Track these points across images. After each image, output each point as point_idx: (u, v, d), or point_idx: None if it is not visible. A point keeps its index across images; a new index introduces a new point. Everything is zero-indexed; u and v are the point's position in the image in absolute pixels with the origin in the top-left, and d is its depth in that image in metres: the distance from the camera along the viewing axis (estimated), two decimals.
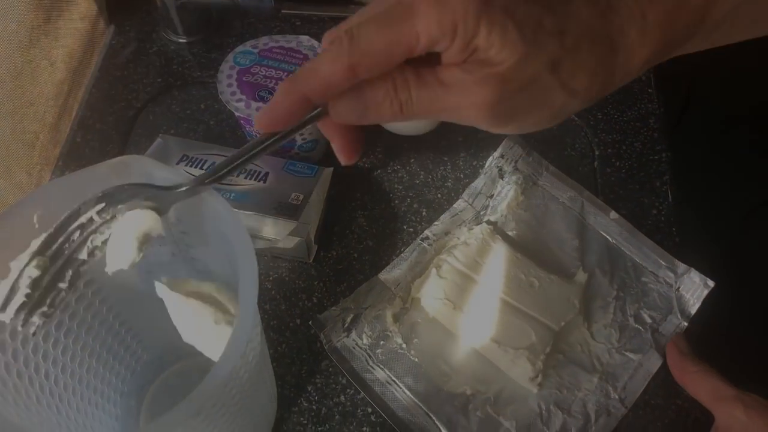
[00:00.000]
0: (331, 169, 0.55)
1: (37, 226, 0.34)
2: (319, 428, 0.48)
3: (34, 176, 0.58)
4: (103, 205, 0.31)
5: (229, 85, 0.54)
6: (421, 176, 0.60)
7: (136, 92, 0.65)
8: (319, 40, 0.57)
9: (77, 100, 0.65)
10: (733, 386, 0.43)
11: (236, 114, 0.54)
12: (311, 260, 0.55)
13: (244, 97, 0.53)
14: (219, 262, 0.40)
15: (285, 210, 0.51)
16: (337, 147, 0.33)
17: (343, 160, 0.34)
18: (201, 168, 0.53)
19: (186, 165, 0.53)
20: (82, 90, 0.65)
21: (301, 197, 0.52)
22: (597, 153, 0.61)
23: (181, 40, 0.68)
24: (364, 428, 0.48)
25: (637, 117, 0.64)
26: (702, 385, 0.45)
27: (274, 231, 0.51)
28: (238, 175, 0.53)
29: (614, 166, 0.60)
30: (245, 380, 0.34)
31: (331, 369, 0.50)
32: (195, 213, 0.35)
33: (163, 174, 0.35)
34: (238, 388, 0.33)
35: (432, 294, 0.51)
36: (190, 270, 0.42)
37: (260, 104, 0.53)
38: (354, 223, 0.57)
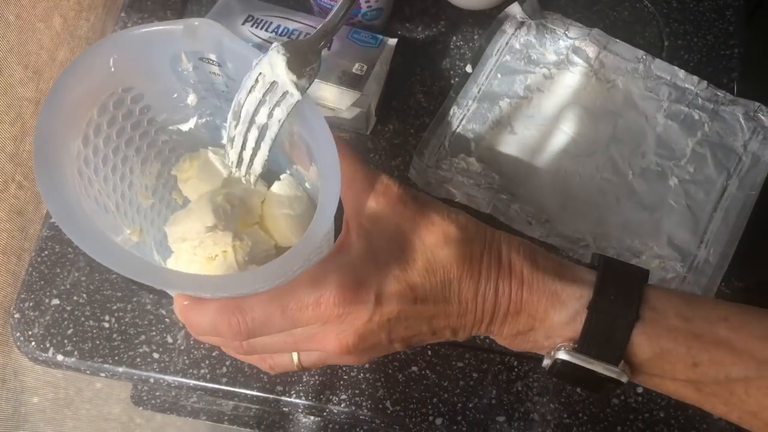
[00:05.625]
0: (395, 40, 0.54)
1: (113, 69, 0.35)
2: None
3: (99, 21, 0.59)
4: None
5: None
6: None
7: None
8: None
9: None
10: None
11: None
12: (368, 132, 0.56)
13: None
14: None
15: (349, 80, 0.51)
16: None
17: None
18: (266, 30, 0.53)
19: (252, 26, 0.53)
20: None
21: (365, 68, 0.51)
22: (666, 44, 0.60)
23: None
24: None
25: (714, 8, 0.61)
26: None
27: (337, 100, 0.51)
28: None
29: (682, 59, 0.59)
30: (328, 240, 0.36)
31: None
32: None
33: (232, 45, 0.34)
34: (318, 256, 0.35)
35: None
36: None
37: None
38: (412, 99, 0.57)
